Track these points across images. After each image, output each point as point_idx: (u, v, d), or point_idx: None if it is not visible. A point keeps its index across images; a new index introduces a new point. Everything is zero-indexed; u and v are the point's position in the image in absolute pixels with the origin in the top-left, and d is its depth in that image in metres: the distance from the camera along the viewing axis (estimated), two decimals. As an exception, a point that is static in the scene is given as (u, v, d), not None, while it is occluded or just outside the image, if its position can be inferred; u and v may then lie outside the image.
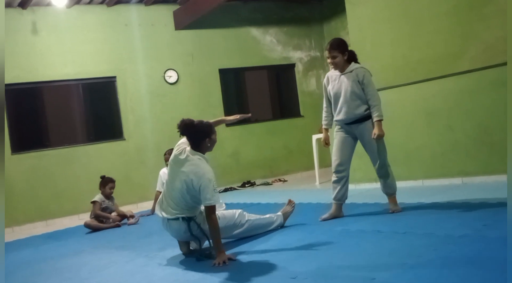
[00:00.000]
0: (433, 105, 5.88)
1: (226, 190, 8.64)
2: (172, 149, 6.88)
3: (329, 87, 4.52)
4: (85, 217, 6.64)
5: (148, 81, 8.76)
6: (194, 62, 9.19)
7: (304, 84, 10.28)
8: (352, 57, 4.45)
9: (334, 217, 4.49)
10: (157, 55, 8.88)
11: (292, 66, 10.21)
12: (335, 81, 4.47)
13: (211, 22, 9.19)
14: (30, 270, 4.32)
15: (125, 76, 8.59)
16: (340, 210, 4.54)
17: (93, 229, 6.12)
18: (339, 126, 4.53)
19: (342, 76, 4.42)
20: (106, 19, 8.51)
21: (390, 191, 4.43)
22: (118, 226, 6.22)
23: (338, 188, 4.48)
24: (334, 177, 4.52)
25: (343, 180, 4.49)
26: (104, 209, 6.31)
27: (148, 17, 8.85)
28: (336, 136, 4.54)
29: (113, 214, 6.42)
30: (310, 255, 3.38)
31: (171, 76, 8.97)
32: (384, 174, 4.41)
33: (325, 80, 4.61)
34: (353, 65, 4.41)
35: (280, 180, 9.18)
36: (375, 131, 4.25)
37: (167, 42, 9.00)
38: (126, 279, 3.54)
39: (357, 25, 7.36)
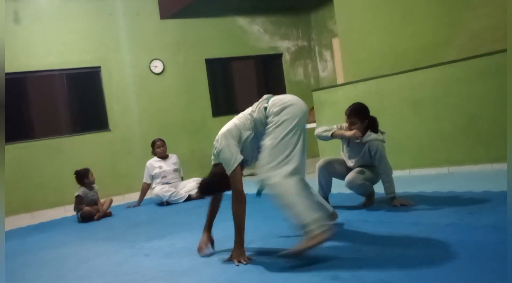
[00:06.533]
0: (420, 95, 5.89)
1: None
2: (159, 138, 6.89)
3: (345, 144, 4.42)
4: (70, 209, 6.59)
5: (133, 71, 8.66)
6: (180, 52, 9.11)
7: (292, 74, 10.25)
8: (371, 125, 4.26)
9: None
10: (142, 45, 8.78)
11: (279, 56, 10.17)
12: (350, 142, 4.34)
13: (197, 11, 9.09)
14: (17, 262, 4.26)
15: (110, 66, 8.49)
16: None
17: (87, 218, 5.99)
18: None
19: (356, 144, 4.28)
20: (90, 8, 8.38)
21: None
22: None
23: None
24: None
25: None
26: (91, 202, 6.21)
27: (132, 6, 8.73)
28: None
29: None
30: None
31: (157, 66, 8.88)
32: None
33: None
34: (368, 135, 4.22)
35: (267, 170, 9.14)
36: (397, 204, 4.09)
37: (153, 31, 8.90)
38: (113, 269, 3.51)
39: (345, 14, 7.34)
